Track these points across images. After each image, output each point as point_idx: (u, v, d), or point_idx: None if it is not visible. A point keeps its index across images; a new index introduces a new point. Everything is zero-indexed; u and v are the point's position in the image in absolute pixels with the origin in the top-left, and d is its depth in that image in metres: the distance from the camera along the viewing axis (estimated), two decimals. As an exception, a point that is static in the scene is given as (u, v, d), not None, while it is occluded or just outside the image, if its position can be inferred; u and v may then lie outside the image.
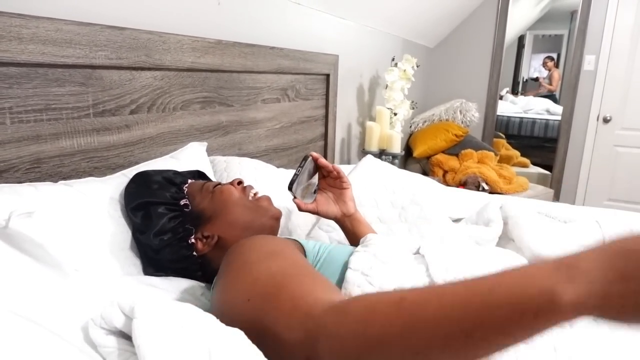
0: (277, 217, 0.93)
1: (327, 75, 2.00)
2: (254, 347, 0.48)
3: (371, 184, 1.23)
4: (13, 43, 0.85)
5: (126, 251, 0.86)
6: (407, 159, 3.41)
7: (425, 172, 3.27)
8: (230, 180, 0.98)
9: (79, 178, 0.98)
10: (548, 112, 5.07)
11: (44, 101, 0.93)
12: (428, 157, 3.21)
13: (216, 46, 1.35)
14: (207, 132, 1.38)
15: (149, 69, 1.16)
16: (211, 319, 0.49)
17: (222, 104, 1.43)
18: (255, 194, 0.94)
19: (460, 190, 1.83)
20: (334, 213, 0.92)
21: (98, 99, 1.04)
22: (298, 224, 1.12)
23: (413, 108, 2.65)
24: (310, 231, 1.11)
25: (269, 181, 1.28)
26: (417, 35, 3.30)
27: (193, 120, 1.32)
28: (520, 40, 5.56)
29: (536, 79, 5.70)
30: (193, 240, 0.85)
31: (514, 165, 3.85)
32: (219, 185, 0.91)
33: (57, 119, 0.96)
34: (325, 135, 2.07)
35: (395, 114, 2.48)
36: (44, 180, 0.92)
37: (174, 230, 0.84)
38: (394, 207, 1.15)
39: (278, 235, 0.96)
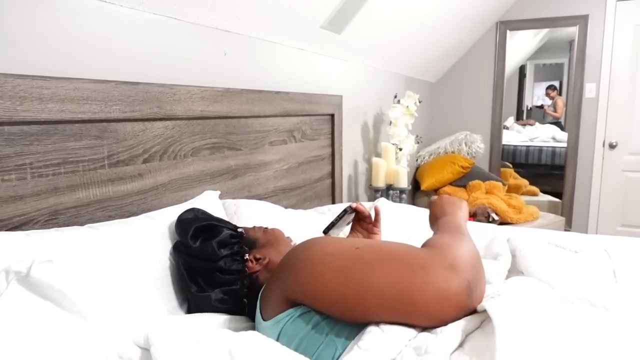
0: None
1: (332, 115, 2.06)
2: (270, 340, 0.57)
3: (388, 230, 1.24)
4: (34, 103, 0.90)
5: (151, 289, 0.89)
6: (416, 192, 3.43)
7: (434, 205, 3.27)
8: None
9: (95, 227, 1.01)
10: (554, 139, 5.08)
11: (62, 155, 0.98)
12: (436, 190, 3.23)
13: (224, 94, 1.41)
14: (217, 177, 1.43)
15: (161, 119, 1.21)
16: (225, 332, 0.52)
17: (231, 148, 1.48)
18: (294, 243, 1.07)
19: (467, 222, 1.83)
20: None
21: (113, 151, 1.09)
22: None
23: (418, 142, 2.70)
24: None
25: (277, 222, 1.30)
26: (419, 71, 3.39)
27: (203, 165, 1.37)
28: (522, 69, 5.65)
29: (541, 107, 5.76)
30: (247, 257, 0.95)
31: (523, 194, 3.83)
32: (268, 228, 1.07)
33: (74, 171, 1.00)
34: (332, 174, 2.10)
35: (400, 149, 2.52)
36: (61, 231, 0.95)
37: (232, 245, 0.96)
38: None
39: None
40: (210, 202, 1.22)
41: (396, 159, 2.49)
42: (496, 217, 2.92)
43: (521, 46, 4.82)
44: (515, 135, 5.26)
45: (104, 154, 1.07)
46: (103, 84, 1.04)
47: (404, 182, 2.38)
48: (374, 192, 2.46)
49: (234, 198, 1.47)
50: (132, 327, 0.65)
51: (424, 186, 3.23)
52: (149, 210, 1.16)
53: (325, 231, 1.07)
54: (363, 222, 1.11)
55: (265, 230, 1.06)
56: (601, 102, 3.37)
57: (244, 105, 1.49)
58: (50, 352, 0.50)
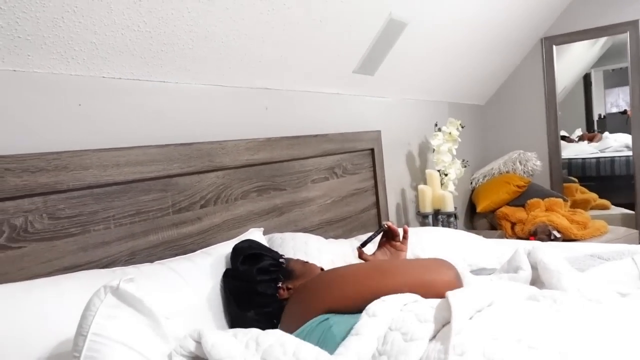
0: None
1: (372, 150, 2.22)
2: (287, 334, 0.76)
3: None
4: (114, 169, 1.17)
5: (205, 310, 1.10)
6: (473, 215, 3.43)
7: (493, 226, 3.25)
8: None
9: (163, 264, 1.24)
10: (628, 148, 4.79)
11: (136, 207, 1.23)
12: (493, 211, 3.21)
13: (266, 143, 1.63)
14: (265, 215, 1.63)
15: (213, 170, 1.45)
16: (255, 329, 0.76)
17: (276, 189, 1.69)
18: None
19: (496, 241, 1.86)
20: None
21: (175, 200, 1.33)
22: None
23: (465, 166, 2.75)
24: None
25: (318, 251, 1.46)
26: (464, 96, 3.46)
27: (252, 206, 1.58)
28: (587, 78, 5.45)
29: (624, 112, 5.44)
30: (280, 285, 1.10)
31: (592, 208, 3.66)
32: (309, 262, 1.23)
33: (146, 219, 1.25)
34: (377, 204, 2.24)
35: (446, 175, 2.59)
36: (137, 268, 1.19)
37: (270, 273, 1.11)
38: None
39: None
40: (255, 237, 1.42)
41: (442, 184, 2.57)
42: (558, 235, 2.85)
43: (579, 56, 4.69)
44: (584, 148, 5.02)
45: (169, 203, 1.32)
46: (164, 148, 1.29)
47: (450, 207, 2.44)
48: (422, 218, 2.54)
49: (281, 232, 1.66)
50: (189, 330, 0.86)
51: (479, 208, 3.23)
52: (207, 247, 1.37)
53: (362, 245, 1.25)
54: (392, 241, 1.27)
55: (304, 263, 1.19)
56: (665, 105, 3.21)
57: (284, 151, 1.70)
58: (134, 342, 0.74)
